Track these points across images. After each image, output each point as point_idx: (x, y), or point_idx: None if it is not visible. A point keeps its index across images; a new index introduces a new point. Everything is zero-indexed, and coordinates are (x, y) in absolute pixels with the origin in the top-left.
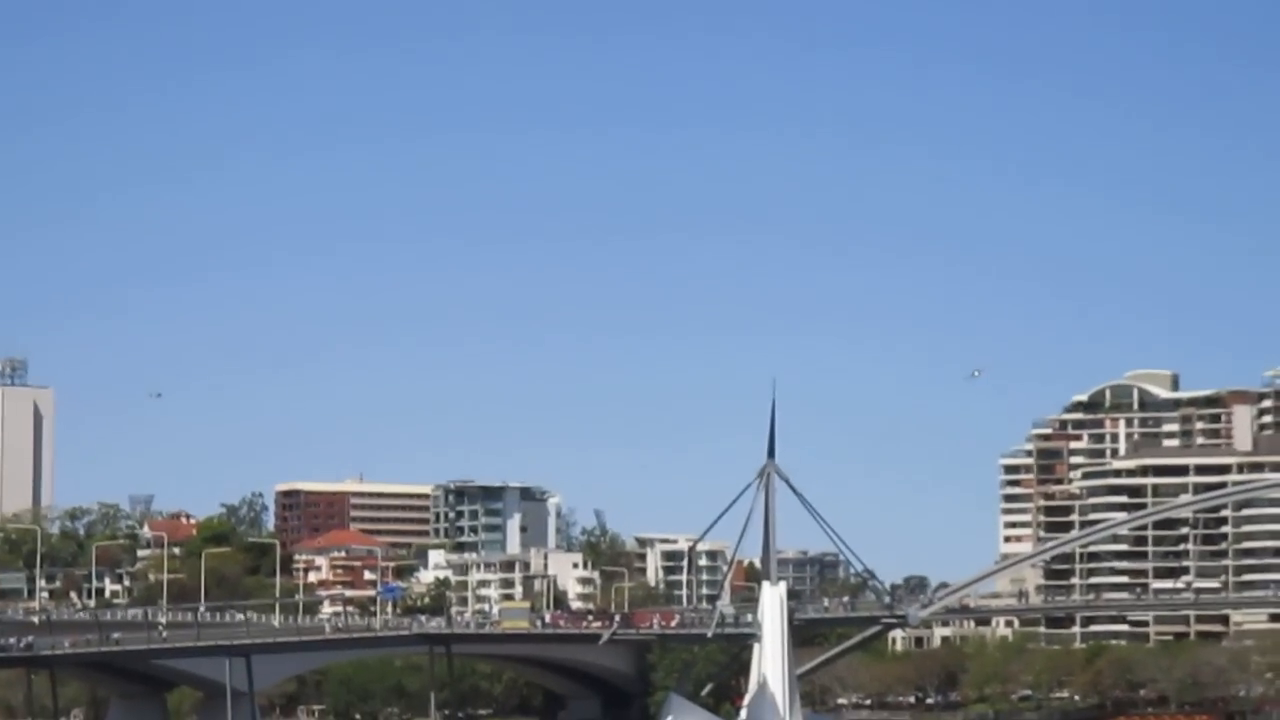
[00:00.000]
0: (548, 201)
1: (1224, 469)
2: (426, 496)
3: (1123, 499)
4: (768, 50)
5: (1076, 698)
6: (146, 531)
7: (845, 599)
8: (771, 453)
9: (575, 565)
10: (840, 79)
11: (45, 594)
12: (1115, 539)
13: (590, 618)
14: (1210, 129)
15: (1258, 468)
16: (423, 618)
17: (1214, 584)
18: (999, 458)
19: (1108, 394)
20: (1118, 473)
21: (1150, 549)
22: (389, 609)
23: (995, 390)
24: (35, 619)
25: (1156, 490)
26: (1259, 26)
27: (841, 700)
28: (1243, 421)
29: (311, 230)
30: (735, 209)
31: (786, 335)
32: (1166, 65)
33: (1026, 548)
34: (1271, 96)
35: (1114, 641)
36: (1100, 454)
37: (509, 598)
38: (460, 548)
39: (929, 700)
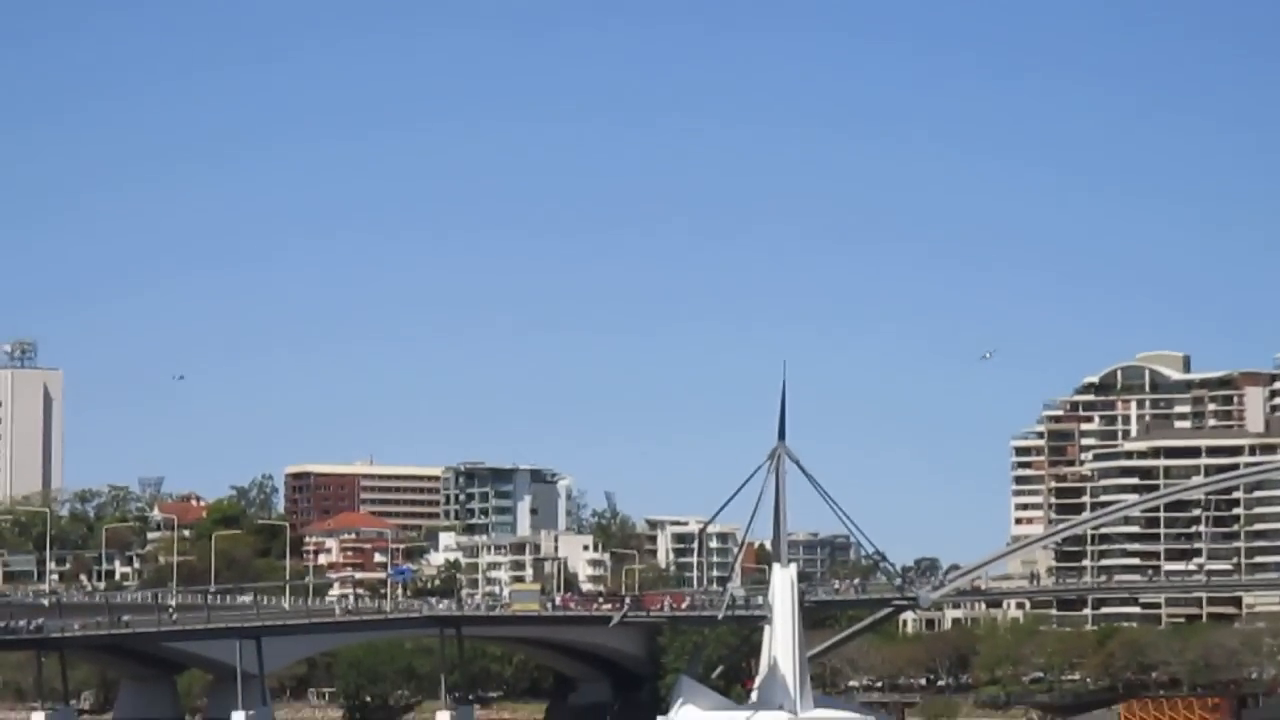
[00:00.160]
0: (558, 189)
1: (1236, 450)
2: (437, 478)
3: (1134, 481)
4: (776, 39)
5: (1088, 680)
6: (156, 514)
7: (856, 581)
8: (782, 434)
9: (586, 547)
10: (848, 68)
11: (55, 576)
12: (1127, 521)
13: (601, 600)
14: (1219, 113)
15: (1270, 449)
16: (433, 600)
17: (1226, 566)
18: (1010, 439)
19: (1119, 375)
20: (1129, 454)
21: (1162, 531)
22: (399, 591)
23: (1006, 372)
24: (45, 601)
25: (1168, 472)
26: (1268, 11)
27: (852, 682)
28: (1255, 403)
29: (322, 216)
30: (747, 196)
31: (797, 317)
32: (1177, 51)
33: (1038, 530)
34: (1274, 82)
35: (1125, 624)
36: (1112, 436)
37: (519, 580)
38: (470, 530)
39: (940, 682)
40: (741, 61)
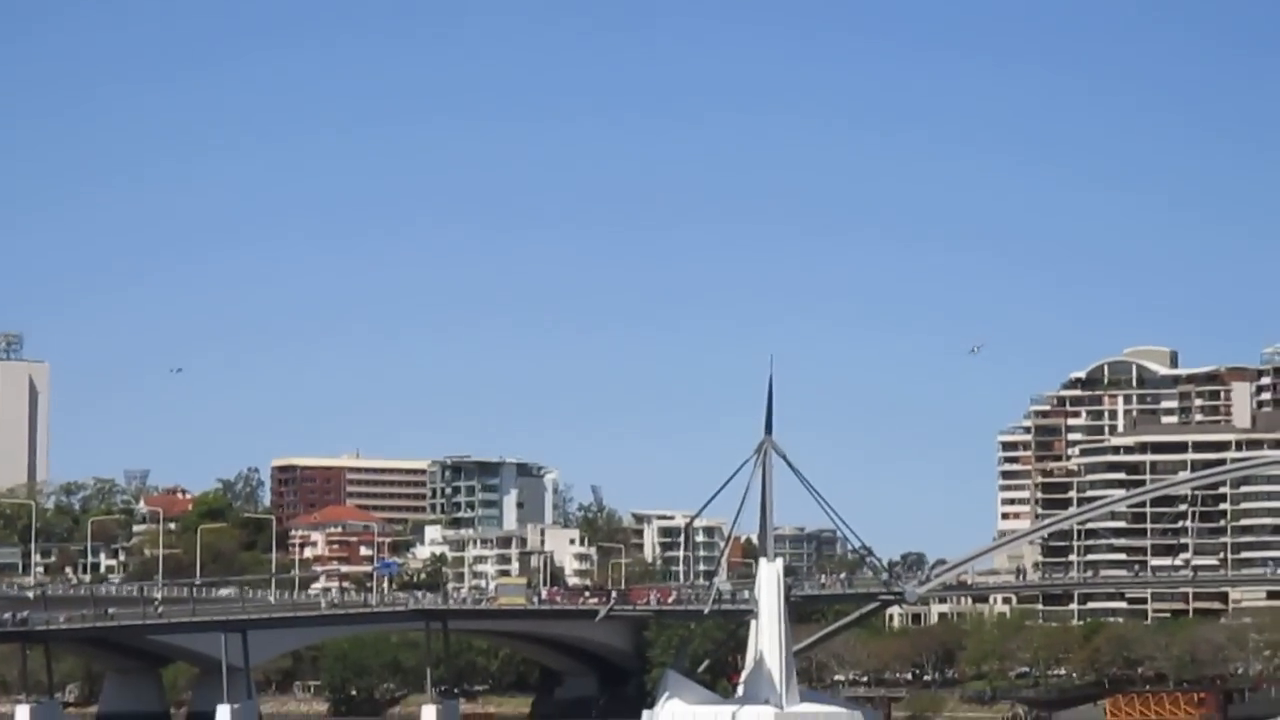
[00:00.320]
0: (544, 184)
1: (1222, 446)
2: (423, 472)
3: (1121, 476)
4: (760, 35)
5: (1074, 675)
6: (142, 506)
7: (842, 575)
8: (769, 429)
9: (572, 541)
10: (836, 63)
11: (40, 569)
12: (1113, 516)
13: (587, 594)
14: (1208, 110)
15: (1256, 445)
16: (419, 593)
17: (1212, 561)
18: (997, 434)
19: (1106, 371)
20: (1116, 450)
21: (1148, 526)
22: (385, 585)
23: (993, 367)
24: (30, 594)
25: (1155, 467)
26: (1259, 7)
27: (839, 677)
28: (1241, 398)
29: (308, 212)
30: (733, 190)
31: (785, 312)
32: (1164, 46)
33: (1024, 524)
34: (1271, 76)
35: (1112, 619)
36: (1099, 431)
37: (505, 574)
38: (457, 523)
39: (926, 677)
40: (728, 57)
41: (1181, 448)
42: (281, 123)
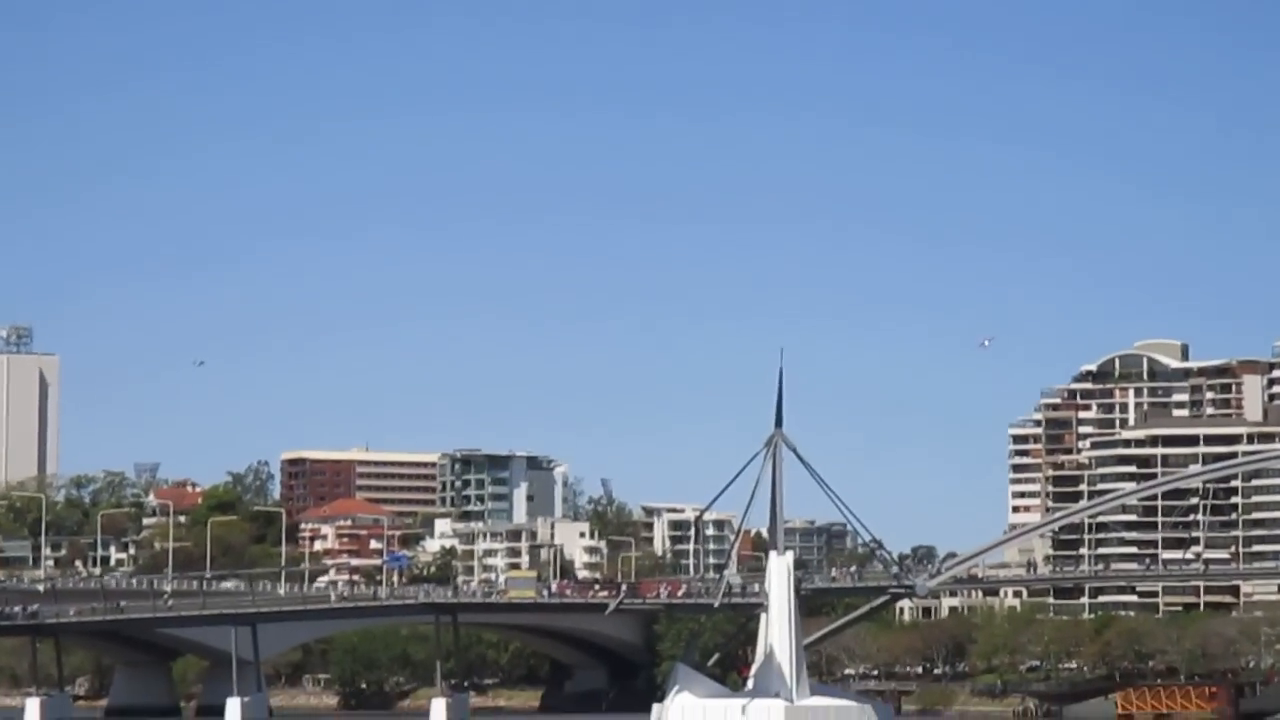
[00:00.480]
0: (553, 179)
1: (1234, 439)
2: (433, 465)
3: (1132, 469)
4: (768, 30)
5: (1085, 669)
6: (152, 499)
7: (853, 569)
8: (779, 422)
9: (582, 535)
10: (845, 58)
11: (50, 562)
12: (1124, 509)
13: (596, 587)
14: (1219, 102)
15: (1268, 438)
16: (429, 587)
17: (1223, 555)
18: (1008, 427)
19: (1117, 363)
20: (1127, 443)
21: (1160, 519)
22: (395, 578)
23: (1004, 360)
24: (40, 587)
25: (1166, 460)
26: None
27: (849, 670)
28: (1253, 391)
29: (319, 206)
30: (744, 185)
31: (795, 305)
32: (1174, 40)
33: (1035, 518)
34: (1274, 70)
35: (1123, 612)
36: (1109, 424)
37: (515, 567)
38: (466, 517)
39: (936, 671)
40: (736, 51)
41: (1193, 441)
42: (289, 118)
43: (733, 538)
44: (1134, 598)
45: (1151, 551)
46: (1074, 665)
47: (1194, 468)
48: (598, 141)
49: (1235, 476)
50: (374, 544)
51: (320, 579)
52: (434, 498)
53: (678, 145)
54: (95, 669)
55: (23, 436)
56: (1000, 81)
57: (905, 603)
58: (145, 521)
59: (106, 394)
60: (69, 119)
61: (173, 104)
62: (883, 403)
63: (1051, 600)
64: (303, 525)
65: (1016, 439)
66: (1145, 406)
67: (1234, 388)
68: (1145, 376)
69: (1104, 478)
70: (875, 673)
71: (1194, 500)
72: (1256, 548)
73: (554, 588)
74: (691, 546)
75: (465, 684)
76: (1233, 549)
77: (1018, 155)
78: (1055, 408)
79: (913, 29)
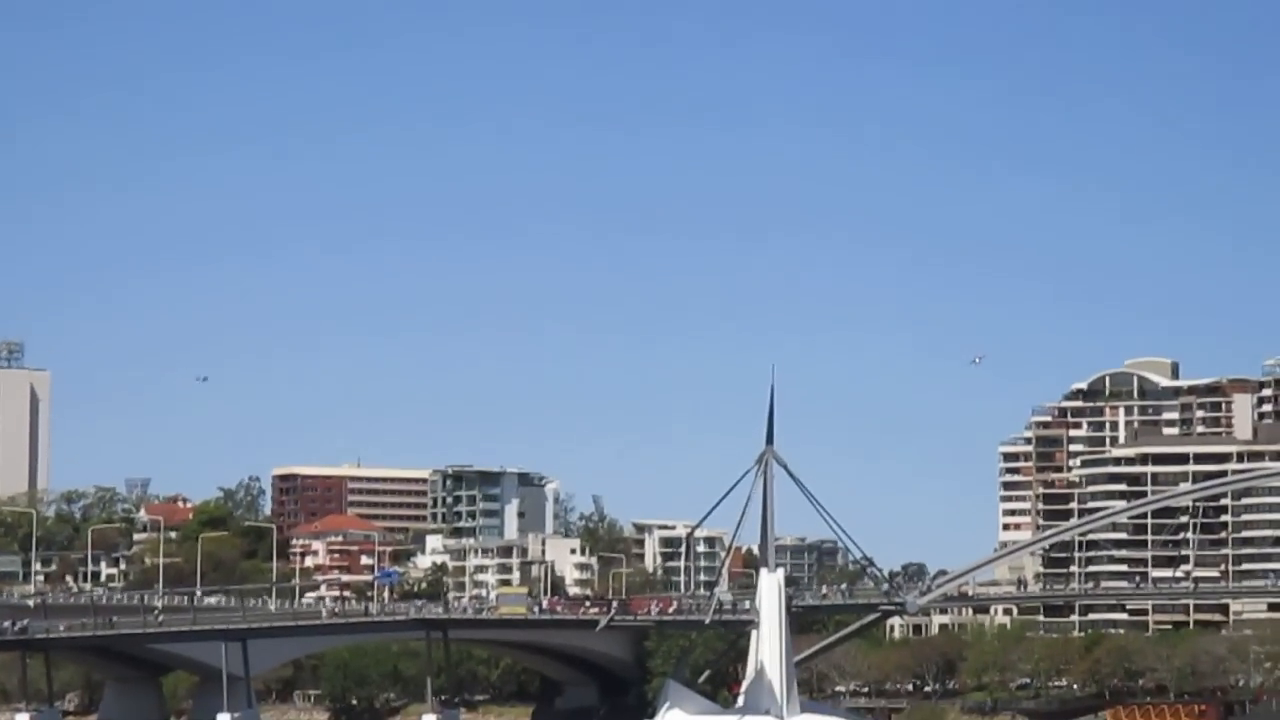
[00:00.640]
0: (547, 194)
1: (1224, 458)
2: (424, 481)
3: (1122, 487)
4: (760, 44)
5: (1075, 686)
6: (143, 515)
7: (843, 586)
8: (770, 439)
9: (573, 551)
10: (837, 73)
11: (41, 577)
12: (1114, 527)
13: (588, 604)
14: (1208, 119)
15: (1257, 456)
16: (420, 603)
17: (1213, 573)
18: (998, 445)
19: (1107, 382)
20: (1117, 461)
21: (1149, 537)
22: (386, 594)
23: (995, 378)
24: (30, 602)
25: (1156, 479)
26: (1258, 17)
27: (839, 688)
28: (1243, 410)
29: (309, 219)
30: (735, 201)
31: (787, 322)
32: (1164, 56)
33: (1025, 535)
34: (1270, 87)
35: (1113, 630)
36: (1100, 442)
37: (506, 583)
38: (458, 533)
39: (927, 688)
40: (727, 67)
41: (1183, 459)
42: (279, 129)
43: (724, 554)
44: (1124, 616)
45: (1141, 569)
46: (1064, 683)
47: (1184, 486)
48: (589, 157)
49: (1225, 495)
50: (365, 560)
51: (308, 595)
52: (425, 514)
53: (669, 160)
54: (85, 684)
55: (13, 452)
56: (994, 102)
57: (896, 620)
58: (136, 537)
59: (97, 409)
60: (58, 131)
61: (164, 117)
62: (874, 420)
63: (1042, 618)
64: (294, 541)
65: (1007, 457)
66: (1135, 425)
67: (1224, 406)
68: (1135, 395)
69: (1094, 496)
70: (866, 690)
71: (1184, 519)
72: (1246, 566)
73: (545, 604)
74: (683, 563)
75: (456, 700)
76: (1222, 567)
77: (1010, 174)
78: (1046, 426)
79: (904, 46)
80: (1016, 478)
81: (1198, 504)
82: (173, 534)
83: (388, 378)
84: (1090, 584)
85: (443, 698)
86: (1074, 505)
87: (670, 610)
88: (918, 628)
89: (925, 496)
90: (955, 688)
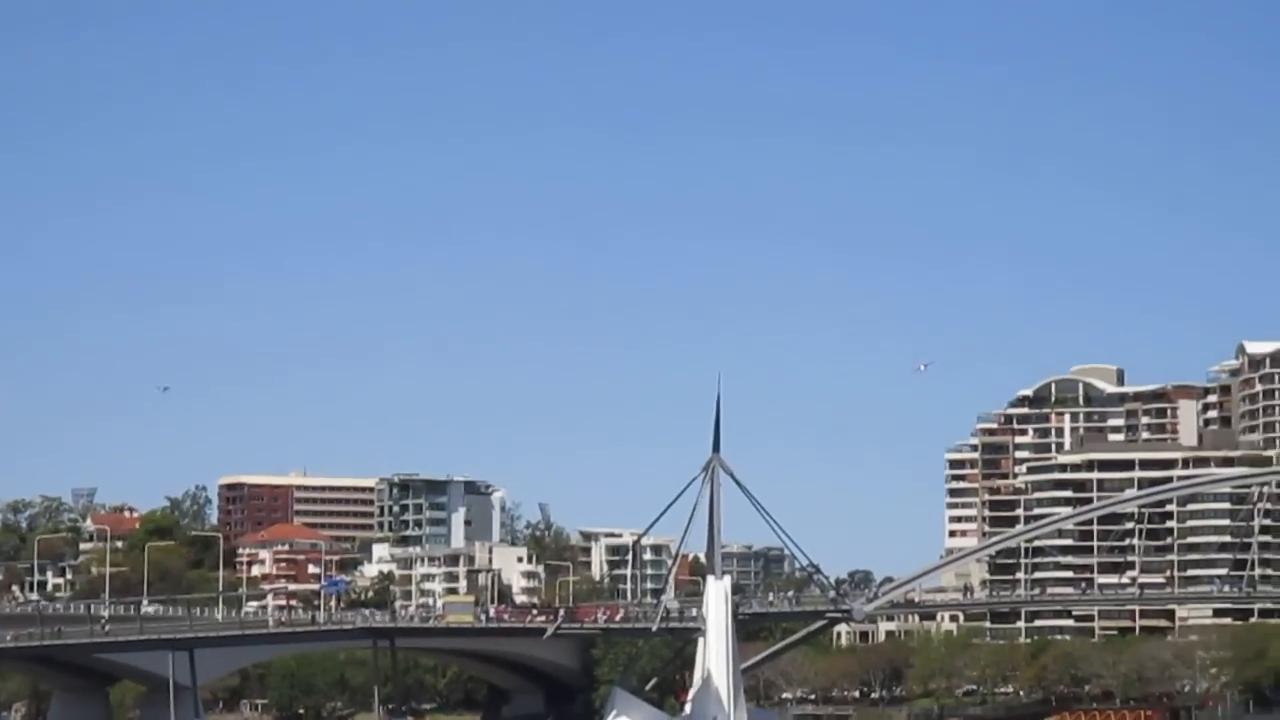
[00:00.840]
0: (492, 204)
1: (1169, 464)
2: (370, 490)
3: (1068, 494)
4: (704, 50)
5: (1021, 693)
6: (89, 524)
7: (790, 593)
8: (716, 446)
9: (520, 559)
10: (781, 75)
11: None
12: (1060, 534)
13: (535, 612)
14: (1158, 124)
15: (1203, 462)
16: (366, 611)
17: (1159, 579)
18: (944, 452)
19: (1053, 388)
20: (1063, 467)
21: (1095, 544)
22: (333, 603)
23: (941, 384)
24: None
25: (1101, 485)
26: (1221, 17)
27: (786, 695)
28: (1188, 416)
29: (254, 234)
30: (679, 206)
31: (732, 330)
32: (1117, 63)
33: (972, 542)
34: (1219, 92)
35: (1059, 636)
36: (1045, 448)
37: (453, 591)
38: (404, 541)
39: (874, 695)
40: (670, 71)
41: (1128, 465)
42: (234, 147)
43: (670, 562)
44: (1070, 622)
45: (1087, 576)
46: (1010, 689)
47: (1129, 492)
48: (532, 167)
49: (1170, 501)
50: (312, 569)
51: (250, 603)
52: (372, 522)
53: (612, 169)
54: (32, 694)
55: None
56: (939, 105)
57: (842, 627)
58: (82, 546)
59: (44, 419)
60: (18, 150)
61: (122, 137)
62: (819, 427)
63: (988, 624)
64: (240, 550)
65: (953, 463)
66: (1081, 431)
67: (1169, 413)
68: (1081, 401)
69: (1040, 502)
70: (813, 697)
71: (1129, 525)
72: (1191, 572)
73: (492, 612)
74: (629, 571)
75: (403, 708)
76: (1168, 573)
77: (955, 180)
78: (992, 432)
79: (855, 46)
80: (963, 484)
81: (1143, 510)
82: (119, 543)
83: (334, 387)
84: (1036, 590)
85: (390, 706)
86: (1020, 512)
87: (617, 618)
88: (864, 634)
89: (871, 503)
90: (902, 694)
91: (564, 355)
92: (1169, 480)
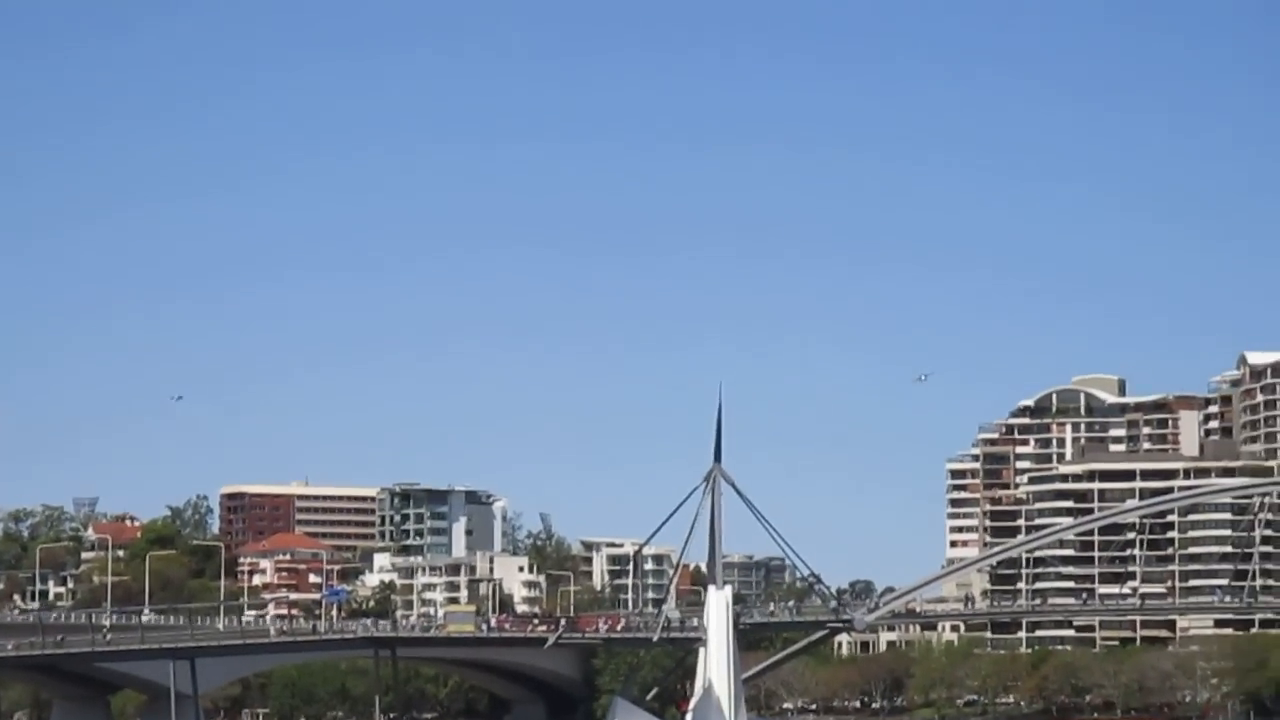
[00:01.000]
0: (495, 214)
1: (1170, 474)
2: (372, 499)
3: (1069, 504)
4: (708, 62)
5: (1022, 703)
6: (90, 534)
7: (791, 603)
8: (718, 456)
9: (521, 569)
10: (780, 86)
11: None
12: (1061, 544)
13: (536, 621)
14: (1157, 134)
15: (1204, 473)
16: (368, 621)
17: (1160, 589)
18: (946, 462)
19: (1054, 399)
20: (1064, 478)
21: (1096, 554)
22: (334, 612)
23: (942, 395)
24: None
25: (1103, 495)
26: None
27: (787, 705)
28: (1189, 427)
29: (254, 244)
30: (681, 217)
31: (734, 340)
32: (1119, 73)
33: (973, 552)
34: (1215, 100)
35: (1060, 647)
36: (1047, 459)
37: (454, 601)
38: (405, 551)
39: (875, 705)
40: (673, 84)
41: (1129, 476)
42: (230, 155)
43: (671, 572)
44: (1071, 632)
45: (1088, 586)
46: (1011, 699)
47: (1130, 503)
48: (531, 176)
49: (1171, 512)
50: (313, 578)
51: (249, 612)
52: (373, 532)
53: (614, 178)
54: (33, 703)
55: None
56: (938, 114)
57: (843, 637)
58: (84, 556)
59: (45, 428)
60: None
61: (126, 147)
62: (821, 437)
63: (989, 635)
64: (242, 559)
65: (954, 474)
66: (1082, 442)
67: (1170, 423)
68: (1082, 412)
69: (1041, 513)
70: (814, 707)
71: (1130, 535)
72: (1193, 582)
73: (493, 622)
74: (630, 581)
75: (404, 718)
76: (1169, 584)
77: (956, 190)
78: (993, 443)
79: (854, 55)
80: (964, 494)
81: (1144, 521)
82: (120, 553)
83: (335, 396)
84: (1037, 601)
85: (391, 716)
86: (1021, 522)
87: (618, 628)
88: (865, 645)
89: (873, 513)
90: (903, 704)
91: (565, 365)
92: (1170, 490)
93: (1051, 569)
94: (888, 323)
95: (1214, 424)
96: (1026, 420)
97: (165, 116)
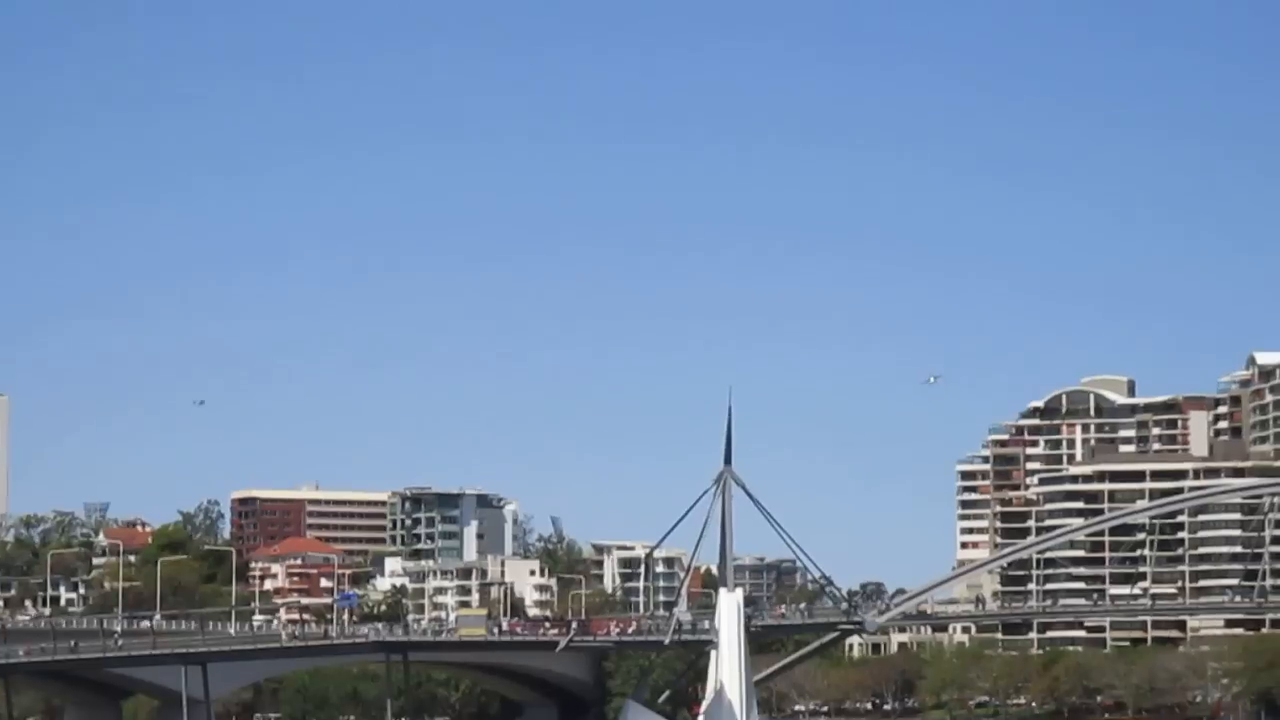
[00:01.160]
0: (501, 214)
1: (1180, 475)
2: (383, 504)
3: (1079, 505)
4: (712, 59)
5: (1033, 704)
6: (102, 539)
7: (802, 605)
8: (728, 459)
9: (532, 572)
10: (790, 86)
11: (0, 602)
12: (1072, 545)
13: (547, 625)
14: (1166, 134)
15: (1214, 473)
16: (379, 625)
17: (1170, 590)
18: (956, 464)
19: (1064, 400)
20: (1074, 478)
21: (1107, 555)
22: (345, 617)
23: (952, 396)
24: None
25: (1113, 496)
26: (1229, 31)
27: (799, 707)
28: (1199, 427)
29: (266, 243)
30: (691, 217)
31: (744, 342)
32: (1127, 76)
33: (983, 554)
34: (1223, 100)
35: (1071, 648)
36: (1057, 460)
37: (466, 605)
38: (417, 555)
39: (886, 707)
40: (679, 82)
41: (1139, 476)
42: (236, 156)
43: (683, 575)
44: (1082, 633)
45: (1099, 587)
46: (1022, 700)
47: (1141, 503)
48: (542, 175)
49: (1182, 512)
50: (324, 583)
51: (257, 616)
52: (384, 536)
53: (625, 180)
54: (45, 709)
55: None
56: (949, 115)
57: (855, 639)
58: (95, 561)
59: (56, 434)
60: (26, 159)
61: (130, 144)
62: (831, 439)
63: (1000, 636)
64: (253, 564)
65: (965, 475)
66: (1092, 443)
67: (1180, 424)
68: (1092, 413)
69: (1051, 513)
70: (825, 709)
71: (1141, 536)
72: (1203, 583)
73: (504, 626)
74: (642, 584)
75: None
76: (1179, 584)
77: (966, 191)
78: (1003, 444)
79: (862, 57)
80: (974, 496)
81: (1155, 521)
82: (132, 558)
83: (346, 400)
84: (1048, 602)
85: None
86: (1031, 523)
87: (629, 631)
88: (876, 646)
89: (883, 515)
90: (914, 706)
91: (575, 368)
92: (1180, 491)
93: (1062, 570)
94: (898, 324)
95: (1223, 424)
96: (1036, 421)
97: (168, 120)
